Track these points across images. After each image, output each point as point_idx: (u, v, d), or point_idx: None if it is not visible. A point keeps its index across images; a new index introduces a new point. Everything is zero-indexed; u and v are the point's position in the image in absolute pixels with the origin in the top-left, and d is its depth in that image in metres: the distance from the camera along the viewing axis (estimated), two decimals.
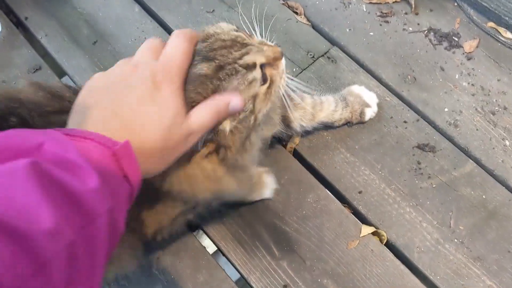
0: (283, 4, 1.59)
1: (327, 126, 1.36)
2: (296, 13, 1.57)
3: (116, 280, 1.24)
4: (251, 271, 1.23)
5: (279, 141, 1.37)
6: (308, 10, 1.58)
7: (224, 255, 1.26)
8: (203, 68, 0.81)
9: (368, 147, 1.36)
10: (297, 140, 1.36)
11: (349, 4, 1.58)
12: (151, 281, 1.23)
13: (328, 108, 1.31)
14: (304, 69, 1.48)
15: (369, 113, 1.36)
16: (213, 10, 1.60)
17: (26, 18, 1.63)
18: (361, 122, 1.37)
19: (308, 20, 1.57)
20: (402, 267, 1.22)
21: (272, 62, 0.87)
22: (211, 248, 1.29)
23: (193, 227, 1.30)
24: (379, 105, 1.38)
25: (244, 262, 1.24)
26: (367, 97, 1.36)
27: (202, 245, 1.27)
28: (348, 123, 1.37)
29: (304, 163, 1.35)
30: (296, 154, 1.37)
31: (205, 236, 1.30)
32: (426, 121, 1.38)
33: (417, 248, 1.23)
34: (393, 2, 1.57)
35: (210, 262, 1.25)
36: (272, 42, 0.92)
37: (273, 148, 1.37)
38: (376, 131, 1.37)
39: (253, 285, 1.21)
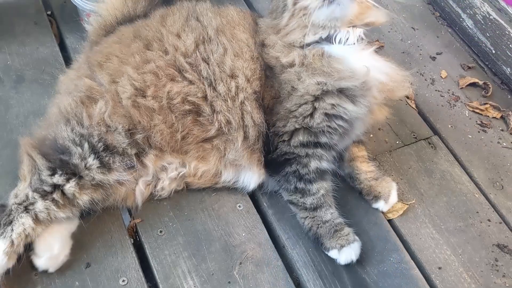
0: None
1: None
2: (407, 97, 1.73)
3: (198, 272, 1.26)
4: None
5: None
6: (418, 98, 1.75)
7: (303, 282, 1.30)
8: None
9: (453, 231, 1.44)
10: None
11: (454, 106, 1.75)
12: (231, 282, 1.25)
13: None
14: (406, 145, 1.61)
15: (380, 204, 1.43)
16: None
17: None
18: (368, 202, 1.45)
19: (416, 106, 1.72)
20: None
21: None
22: (289, 270, 1.32)
23: (279, 247, 1.35)
24: (467, 196, 1.50)
25: None
26: (392, 195, 1.43)
27: (284, 266, 1.31)
28: (360, 192, 1.45)
29: (392, 224, 1.43)
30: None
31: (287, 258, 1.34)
32: (508, 227, 1.48)
33: None
34: (493, 117, 1.74)
35: (289, 284, 1.28)
36: None
37: (366, 201, 1.45)
38: (462, 218, 1.47)
39: None
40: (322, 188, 1.33)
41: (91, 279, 1.22)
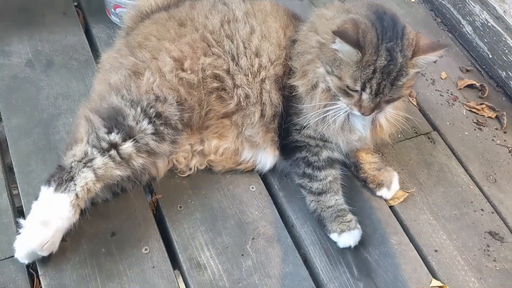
0: None
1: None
2: (410, 95, 1.85)
3: (214, 244, 1.36)
4: (331, 280, 1.36)
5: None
6: (419, 96, 1.87)
7: (310, 258, 1.40)
8: None
9: (449, 218, 1.55)
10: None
11: (452, 105, 1.87)
12: (244, 255, 1.36)
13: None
14: (407, 139, 1.72)
15: (383, 191, 1.53)
16: None
17: None
18: (372, 191, 1.55)
19: (417, 103, 1.84)
20: None
21: None
22: (298, 247, 1.43)
23: (288, 226, 1.46)
24: (462, 188, 1.62)
25: (327, 271, 1.38)
26: (394, 183, 1.54)
27: (292, 243, 1.41)
28: (365, 181, 1.55)
29: (393, 210, 1.54)
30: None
31: (296, 236, 1.45)
32: (499, 216, 1.59)
33: None
34: (488, 117, 1.86)
35: (297, 259, 1.38)
36: None
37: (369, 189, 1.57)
38: (457, 207, 1.58)
39: None
40: (330, 175, 1.44)
41: (116, 246, 1.32)
